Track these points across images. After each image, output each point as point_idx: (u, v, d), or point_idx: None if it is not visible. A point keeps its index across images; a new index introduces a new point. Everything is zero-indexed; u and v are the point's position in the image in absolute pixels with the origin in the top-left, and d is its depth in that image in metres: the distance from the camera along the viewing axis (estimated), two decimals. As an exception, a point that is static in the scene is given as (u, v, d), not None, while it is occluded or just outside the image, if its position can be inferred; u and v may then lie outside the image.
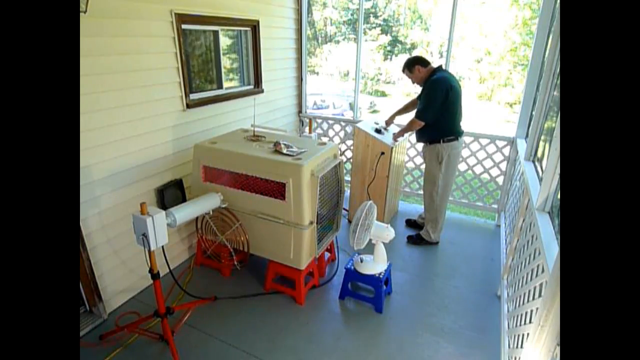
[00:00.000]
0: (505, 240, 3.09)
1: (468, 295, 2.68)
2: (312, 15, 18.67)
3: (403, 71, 3.05)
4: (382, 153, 3.21)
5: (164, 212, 1.87)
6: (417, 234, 3.34)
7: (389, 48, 19.47)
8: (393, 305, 2.58)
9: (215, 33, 3.08)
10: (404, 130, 3.12)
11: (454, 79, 2.88)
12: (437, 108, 2.82)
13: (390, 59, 19.55)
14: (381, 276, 2.47)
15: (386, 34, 19.26)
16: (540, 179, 2.11)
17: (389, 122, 3.46)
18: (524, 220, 2.37)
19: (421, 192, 4.04)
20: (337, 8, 19.82)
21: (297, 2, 3.97)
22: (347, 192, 3.70)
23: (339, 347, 2.21)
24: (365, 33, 18.47)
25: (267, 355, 2.14)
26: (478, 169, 3.78)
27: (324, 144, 2.62)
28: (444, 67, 3.04)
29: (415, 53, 19.02)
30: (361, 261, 2.55)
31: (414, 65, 2.95)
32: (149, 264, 1.93)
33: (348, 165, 4.29)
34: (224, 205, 2.50)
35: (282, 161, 2.28)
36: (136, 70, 2.31)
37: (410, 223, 3.64)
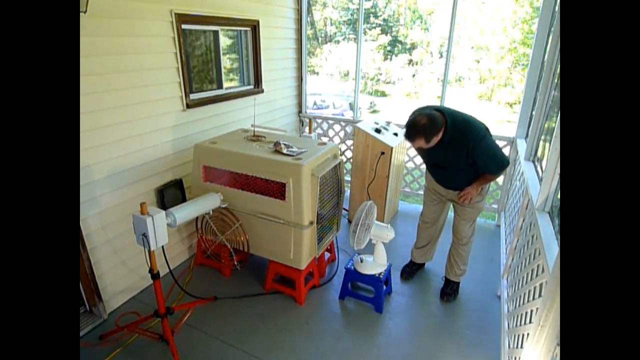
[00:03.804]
0: (505, 240, 3.09)
1: (468, 295, 2.68)
2: (312, 15, 18.66)
3: (413, 140, 2.08)
4: (382, 153, 3.21)
5: (164, 212, 1.87)
6: (450, 283, 2.69)
7: (389, 48, 19.45)
8: (393, 305, 2.58)
9: (215, 33, 3.08)
10: (480, 185, 2.32)
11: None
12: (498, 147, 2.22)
13: (390, 59, 19.54)
14: (381, 276, 2.47)
15: (386, 34, 19.23)
16: (540, 179, 2.12)
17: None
18: (524, 220, 2.37)
19: (421, 192, 4.02)
20: (337, 8, 19.81)
21: (297, 2, 3.97)
22: (347, 192, 3.70)
23: (339, 347, 2.21)
24: (365, 33, 18.45)
25: (267, 355, 2.14)
26: (478, 169, 3.77)
27: (324, 144, 2.62)
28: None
29: (415, 53, 18.94)
30: (361, 261, 2.55)
31: (437, 134, 2.07)
32: (149, 264, 1.93)
33: (348, 165, 4.29)
34: (224, 205, 2.50)
35: (282, 161, 2.28)
36: (136, 70, 2.31)
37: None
